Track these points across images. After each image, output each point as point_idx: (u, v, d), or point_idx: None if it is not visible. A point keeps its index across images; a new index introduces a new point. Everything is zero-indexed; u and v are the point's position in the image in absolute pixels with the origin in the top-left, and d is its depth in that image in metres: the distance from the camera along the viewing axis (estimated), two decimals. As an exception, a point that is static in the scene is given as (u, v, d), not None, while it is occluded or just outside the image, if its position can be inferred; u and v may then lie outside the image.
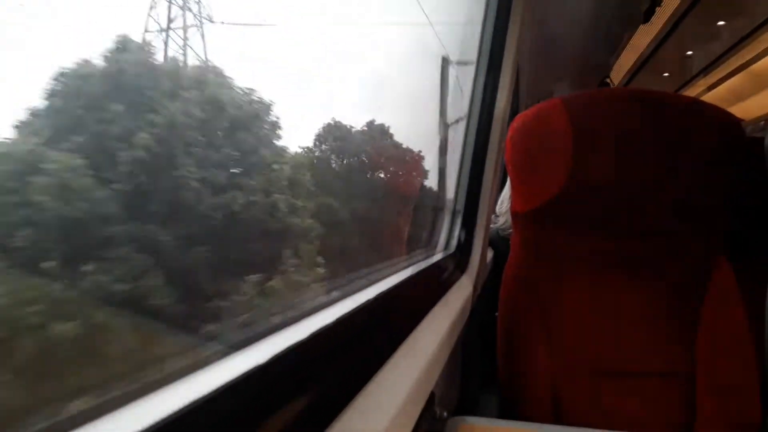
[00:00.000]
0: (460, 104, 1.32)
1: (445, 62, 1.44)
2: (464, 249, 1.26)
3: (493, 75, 1.22)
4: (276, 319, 0.51)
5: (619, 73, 6.37)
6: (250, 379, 0.35)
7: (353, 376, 0.48)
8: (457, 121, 1.35)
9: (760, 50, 5.62)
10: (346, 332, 0.52)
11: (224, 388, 0.33)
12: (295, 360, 0.41)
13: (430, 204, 1.39)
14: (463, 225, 1.26)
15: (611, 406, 1.09)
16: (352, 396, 0.44)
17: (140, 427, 0.26)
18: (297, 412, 0.37)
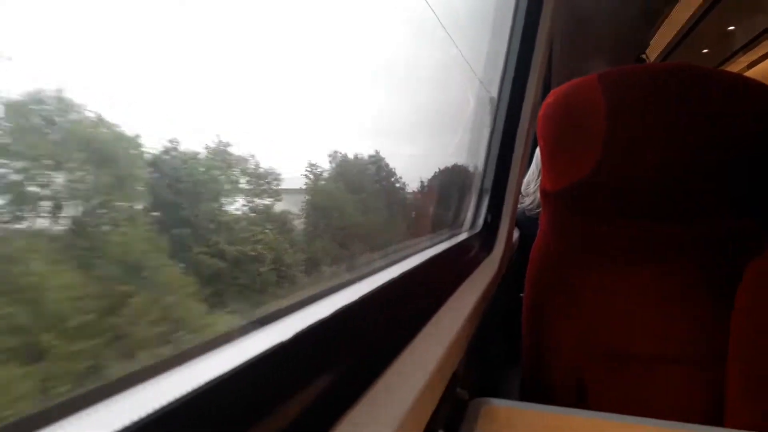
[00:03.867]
0: (491, 81, 1.29)
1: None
2: (491, 228, 1.24)
3: (526, 50, 1.19)
4: (301, 295, 0.51)
5: (655, 49, 6.17)
6: (273, 356, 0.35)
7: (377, 355, 0.48)
8: (489, 99, 1.33)
9: (806, 26, 5.38)
10: (370, 311, 0.52)
11: (248, 363, 0.33)
12: (318, 337, 0.41)
13: (456, 182, 1.37)
14: (491, 204, 1.25)
15: (637, 391, 1.07)
16: (376, 375, 0.44)
17: (164, 402, 0.27)
18: (320, 390, 0.37)
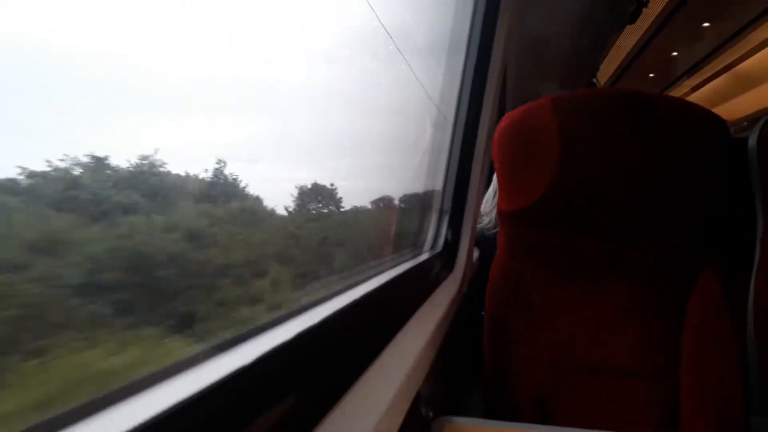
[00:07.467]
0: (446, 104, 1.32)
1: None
2: (451, 248, 1.26)
3: (480, 74, 1.22)
4: (263, 319, 0.51)
5: (605, 74, 6.44)
6: (234, 380, 0.35)
7: (339, 376, 0.48)
8: (443, 121, 1.35)
9: (743, 51, 5.71)
10: (332, 333, 0.52)
11: (209, 389, 0.32)
12: (280, 361, 0.41)
13: (416, 204, 1.39)
14: (450, 224, 1.26)
15: (596, 405, 1.09)
16: (338, 397, 0.44)
17: (126, 428, 0.26)
18: (282, 413, 0.37)
